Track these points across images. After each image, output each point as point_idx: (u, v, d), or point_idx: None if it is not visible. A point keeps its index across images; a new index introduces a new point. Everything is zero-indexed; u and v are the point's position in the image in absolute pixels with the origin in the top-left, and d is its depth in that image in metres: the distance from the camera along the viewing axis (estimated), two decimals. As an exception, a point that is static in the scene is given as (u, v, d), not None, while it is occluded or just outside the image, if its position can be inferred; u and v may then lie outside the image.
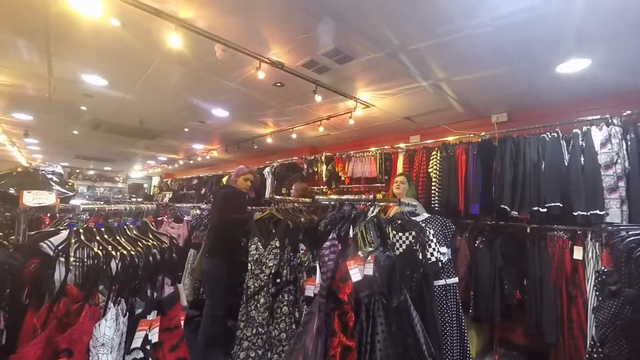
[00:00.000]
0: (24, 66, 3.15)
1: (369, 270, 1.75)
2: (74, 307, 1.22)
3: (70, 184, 2.94)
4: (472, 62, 2.68)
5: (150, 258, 1.40)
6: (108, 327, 1.21)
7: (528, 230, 3.31)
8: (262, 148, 6.38)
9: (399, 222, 2.26)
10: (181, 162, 9.56)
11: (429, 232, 2.30)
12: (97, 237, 1.38)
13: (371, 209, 1.98)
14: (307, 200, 2.64)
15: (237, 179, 2.98)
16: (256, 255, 2.49)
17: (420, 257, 2.16)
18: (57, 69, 3.21)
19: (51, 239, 1.42)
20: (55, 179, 1.82)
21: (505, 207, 3.25)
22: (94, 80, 3.43)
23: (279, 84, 3.31)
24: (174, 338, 1.41)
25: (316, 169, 5.84)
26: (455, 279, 2.41)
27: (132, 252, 1.35)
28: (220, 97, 3.82)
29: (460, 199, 3.67)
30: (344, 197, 2.16)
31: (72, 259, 1.34)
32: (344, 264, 1.80)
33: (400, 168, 4.39)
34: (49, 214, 1.76)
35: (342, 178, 5.47)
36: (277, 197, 2.73)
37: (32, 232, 1.55)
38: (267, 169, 6.65)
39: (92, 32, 2.43)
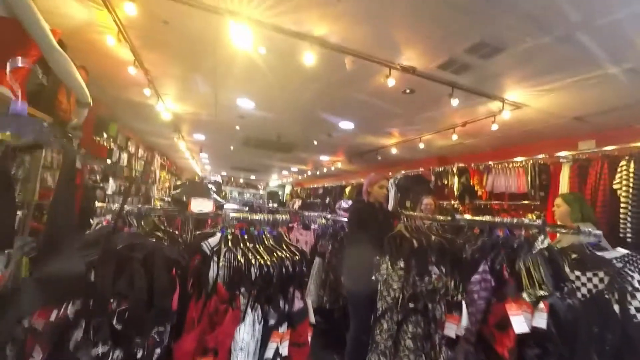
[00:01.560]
0: (200, 97, 3.99)
1: (541, 321, 1.31)
2: (222, 307, 1.34)
3: (223, 193, 3.51)
4: None
5: (283, 269, 1.43)
6: (246, 333, 1.27)
7: None
8: (386, 159, 6.21)
9: (576, 257, 1.68)
10: (309, 173, 10.38)
11: (632, 277, 1.63)
12: (241, 244, 1.50)
13: (540, 237, 1.52)
14: (443, 218, 2.31)
15: (372, 188, 2.69)
16: (385, 275, 2.32)
17: (618, 311, 1.53)
18: (220, 97, 3.92)
19: (209, 240, 1.63)
20: (213, 188, 2.20)
21: None
22: (245, 103, 4.04)
23: (408, 91, 3.09)
24: (302, 355, 1.37)
25: (446, 182, 5.25)
26: None
27: (268, 262, 1.40)
28: (348, 110, 3.88)
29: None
30: (496, 219, 1.74)
31: (221, 261, 1.50)
32: (501, 306, 1.42)
33: (565, 183, 3.43)
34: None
35: (479, 193, 4.73)
36: (407, 212, 2.48)
37: (198, 232, 1.84)
38: (390, 181, 6.42)
39: (245, 61, 2.83)
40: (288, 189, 16.27)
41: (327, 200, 9.44)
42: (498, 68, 2.50)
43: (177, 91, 3.89)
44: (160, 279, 1.26)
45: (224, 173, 15.68)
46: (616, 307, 1.52)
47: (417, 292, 2.09)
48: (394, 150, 5.32)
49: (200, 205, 1.57)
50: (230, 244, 1.48)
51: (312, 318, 1.47)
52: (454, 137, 3.97)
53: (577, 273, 1.61)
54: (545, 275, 1.46)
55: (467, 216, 2.06)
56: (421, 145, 4.66)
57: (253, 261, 1.40)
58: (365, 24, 2.15)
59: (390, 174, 6.39)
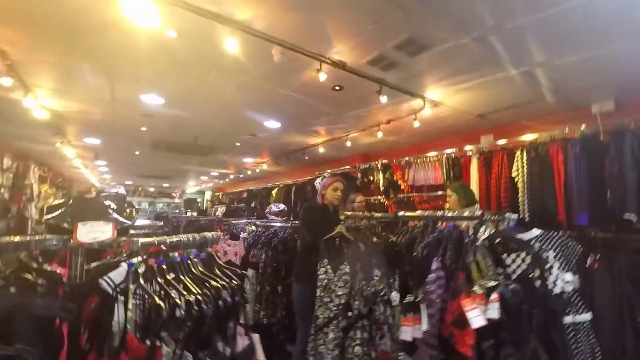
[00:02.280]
0: (89, 91, 3.23)
1: (494, 311, 1.31)
2: (135, 367, 0.98)
3: (128, 211, 2.89)
4: (586, 37, 2.13)
5: (221, 302, 1.12)
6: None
7: (662, 245, 2.58)
8: (313, 158, 6.15)
9: (501, 241, 1.79)
10: (232, 177, 9.74)
11: (547, 255, 1.79)
12: (159, 278, 1.13)
13: (482, 228, 1.54)
14: (385, 215, 2.27)
15: (325, 190, 2.58)
16: (325, 281, 2.16)
17: (539, 287, 1.67)
18: (119, 91, 3.24)
19: (111, 275, 1.20)
20: (113, 205, 1.70)
21: (630, 216, 2.57)
22: (152, 99, 3.43)
23: (337, 88, 3.01)
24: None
25: (372, 178, 5.43)
26: (588, 315, 1.84)
27: (199, 297, 1.08)
28: (274, 107, 3.63)
29: (560, 208, 3.04)
30: (438, 213, 1.75)
31: (131, 302, 1.11)
32: (456, 302, 1.39)
33: (474, 173, 3.82)
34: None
35: (402, 187, 5.01)
36: (348, 212, 2.37)
37: (93, 264, 1.37)
38: (318, 180, 6.36)
39: (150, 47, 2.34)
40: (208, 195, 15.07)
41: (253, 204, 8.97)
42: (422, 66, 2.58)
43: (54, 83, 3.07)
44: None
45: (129, 182, 13.65)
46: (537, 283, 1.64)
47: (364, 296, 1.99)
48: (321, 149, 5.27)
49: (93, 232, 1.15)
50: (142, 279, 1.11)
51: (260, 355, 1.20)
52: (379, 134, 4.07)
53: (505, 256, 1.70)
54: (489, 265, 1.48)
55: (408, 213, 2.06)
56: (348, 144, 4.69)
57: (178, 299, 1.06)
58: (295, 11, 1.94)
59: (317, 173, 6.36)
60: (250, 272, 3.73)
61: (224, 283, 1.22)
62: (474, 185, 3.82)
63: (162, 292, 1.10)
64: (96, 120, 4.19)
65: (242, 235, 4.07)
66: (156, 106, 3.63)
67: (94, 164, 8.17)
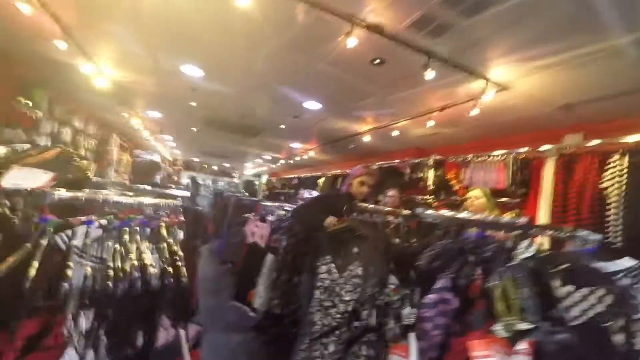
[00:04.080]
0: (135, 59, 3.34)
1: (518, 368, 0.87)
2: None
3: (166, 175, 2.94)
4: None
5: (139, 283, 0.90)
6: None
7: None
8: (361, 149, 5.74)
9: (567, 266, 1.26)
10: (283, 162, 9.81)
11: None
12: (76, 241, 0.95)
13: (524, 243, 1.06)
14: (404, 212, 1.85)
15: (353, 181, 2.32)
16: (327, 282, 1.83)
17: (620, 344, 1.12)
18: (161, 61, 3.29)
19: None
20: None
21: None
22: (192, 70, 3.43)
23: (377, 61, 2.59)
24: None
25: (422, 175, 4.84)
26: None
27: (111, 272, 0.87)
28: (310, 84, 3.34)
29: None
30: (465, 215, 1.30)
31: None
32: (463, 342, 0.97)
33: (549, 179, 3.05)
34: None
35: (455, 188, 4.34)
36: (363, 204, 2.00)
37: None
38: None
39: (176, 10, 2.23)
40: (264, 179, 15.61)
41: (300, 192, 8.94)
42: (484, 31, 2.03)
43: (107, 50, 3.23)
44: None
45: (195, 159, 14.82)
46: (619, 338, 1.10)
47: (375, 306, 1.63)
48: (367, 138, 4.84)
49: (22, 179, 1.02)
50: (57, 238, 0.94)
51: (186, 356, 0.96)
52: (430, 123, 3.51)
53: (569, 288, 1.17)
54: (528, 297, 1.01)
55: (431, 211, 1.61)
56: (395, 133, 4.20)
57: (88, 269, 0.87)
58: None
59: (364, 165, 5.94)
60: (269, 257, 3.58)
61: (161, 263, 1.00)
62: (547, 194, 3.06)
63: (74, 258, 0.92)
64: (149, 92, 4.41)
65: (269, 217, 3.94)
66: (198, 79, 3.64)
67: (162, 137, 8.93)
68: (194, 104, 4.75)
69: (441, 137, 4.67)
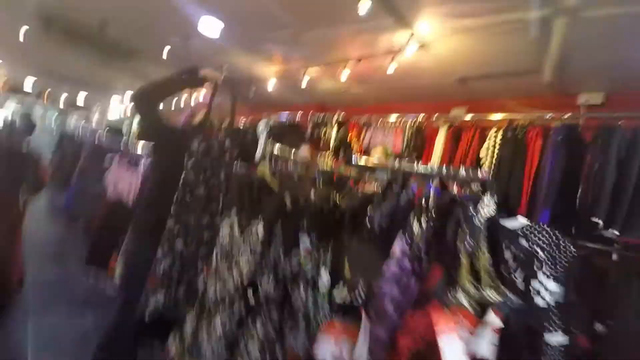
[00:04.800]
0: None
1: (488, 346, 0.71)
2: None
3: None
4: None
5: None
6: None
7: (614, 257, 2.35)
8: (261, 98, 5.15)
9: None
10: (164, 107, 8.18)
11: (539, 253, 1.29)
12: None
13: (485, 198, 0.91)
14: (338, 167, 1.58)
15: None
16: (227, 240, 1.43)
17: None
18: None
19: None
20: None
21: (598, 220, 2.28)
22: None
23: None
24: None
25: (323, 133, 4.71)
26: (564, 339, 1.42)
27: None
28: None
29: (524, 200, 2.68)
30: (421, 166, 1.10)
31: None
32: (421, 317, 0.76)
33: (439, 146, 3.32)
34: None
35: (354, 148, 4.40)
36: (304, 152, 1.61)
37: None
38: (262, 123, 5.48)
39: None
40: (136, 125, 12.87)
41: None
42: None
43: None
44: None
45: (31, 78, 10.86)
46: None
47: (277, 273, 1.32)
48: (271, 85, 4.31)
49: None
50: None
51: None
52: (345, 73, 3.27)
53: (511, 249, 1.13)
54: (490, 261, 0.88)
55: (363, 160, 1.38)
56: (304, 82, 3.82)
57: None
58: None
59: (264, 116, 5.42)
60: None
61: None
62: (436, 160, 3.34)
63: None
64: None
65: (142, 161, 3.09)
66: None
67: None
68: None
69: (346, 97, 4.57)
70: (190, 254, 1.57)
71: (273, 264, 1.28)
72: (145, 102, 1.53)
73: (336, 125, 4.51)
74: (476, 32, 2.41)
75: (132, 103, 1.55)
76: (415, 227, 0.85)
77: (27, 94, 11.34)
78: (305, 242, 1.39)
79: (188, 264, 1.57)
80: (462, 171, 0.94)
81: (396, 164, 1.12)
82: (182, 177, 1.59)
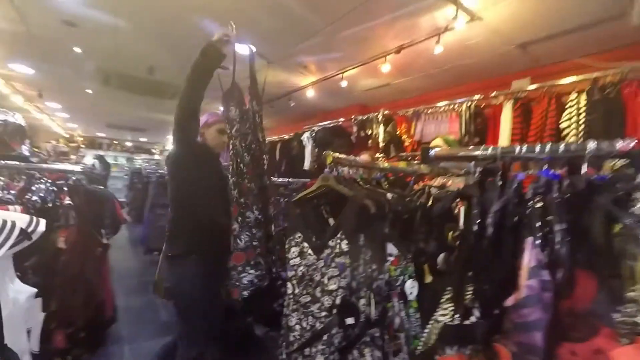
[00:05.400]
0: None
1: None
2: None
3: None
4: None
5: None
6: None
7: None
8: (301, 107, 5.15)
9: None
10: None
11: None
12: None
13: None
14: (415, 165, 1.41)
15: (206, 130, 1.74)
16: (301, 269, 1.31)
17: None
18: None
19: None
20: None
21: None
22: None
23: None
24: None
25: (370, 132, 4.52)
26: None
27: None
28: (241, 16, 2.57)
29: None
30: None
31: None
32: (595, 355, 0.56)
33: (507, 126, 2.93)
34: None
35: (406, 143, 4.14)
36: (340, 155, 1.48)
37: None
38: (307, 134, 5.45)
39: None
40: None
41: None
42: None
43: None
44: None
45: (101, 134, 12.41)
46: None
47: (374, 289, 1.18)
48: (310, 93, 4.26)
49: None
50: None
51: None
52: (386, 66, 3.07)
53: None
54: None
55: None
56: (344, 84, 3.69)
57: None
58: None
59: (306, 127, 5.39)
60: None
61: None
62: (505, 142, 2.95)
63: None
64: (6, 31, 3.08)
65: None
66: (73, 5, 2.54)
67: (46, 106, 6.98)
68: (78, 49, 3.51)
69: (386, 92, 4.34)
70: (264, 218, 1.61)
71: (368, 281, 1.14)
72: (186, 115, 1.51)
73: (382, 122, 4.31)
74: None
75: (176, 126, 1.54)
76: (547, 225, 0.65)
77: (100, 145, 12.98)
78: (392, 250, 1.25)
79: (265, 229, 1.62)
80: (592, 145, 0.71)
81: (490, 149, 0.91)
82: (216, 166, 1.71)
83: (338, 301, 1.14)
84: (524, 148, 0.83)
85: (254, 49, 1.81)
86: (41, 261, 1.77)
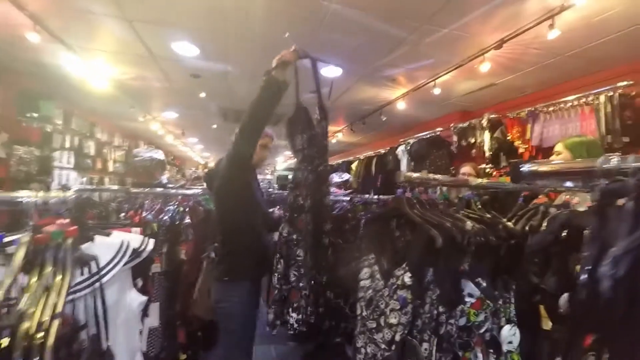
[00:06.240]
0: (123, 45, 2.92)
1: None
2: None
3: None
4: None
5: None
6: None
7: None
8: (394, 121, 4.99)
9: None
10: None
11: None
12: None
13: None
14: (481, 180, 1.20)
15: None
16: (370, 292, 1.22)
17: None
18: (149, 41, 2.83)
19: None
20: None
21: None
22: (185, 49, 2.95)
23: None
24: None
25: (473, 141, 4.01)
26: None
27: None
28: (324, 38, 2.68)
29: None
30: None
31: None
32: None
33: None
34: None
35: (520, 150, 3.50)
36: (417, 174, 1.32)
37: None
38: (401, 148, 5.22)
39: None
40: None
41: (334, 180, 8.39)
42: None
43: (85, 35, 2.80)
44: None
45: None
46: None
47: (441, 335, 1.01)
48: (401, 105, 4.09)
49: None
50: None
51: None
52: (485, 66, 2.69)
53: None
54: None
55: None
56: (437, 91, 3.41)
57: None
58: None
59: (402, 140, 5.18)
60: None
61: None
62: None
63: None
64: (154, 87, 4.05)
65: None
66: (195, 60, 3.15)
67: (187, 140, 8.79)
68: (203, 94, 4.32)
69: (491, 93, 3.79)
70: (314, 258, 1.51)
71: (433, 324, 0.98)
72: (250, 145, 1.47)
73: (488, 128, 3.76)
74: None
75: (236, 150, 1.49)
76: None
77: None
78: (472, 289, 1.05)
79: (316, 268, 1.52)
80: None
81: (616, 160, 0.67)
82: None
83: (397, 338, 1.00)
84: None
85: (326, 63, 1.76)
86: (169, 269, 2.16)
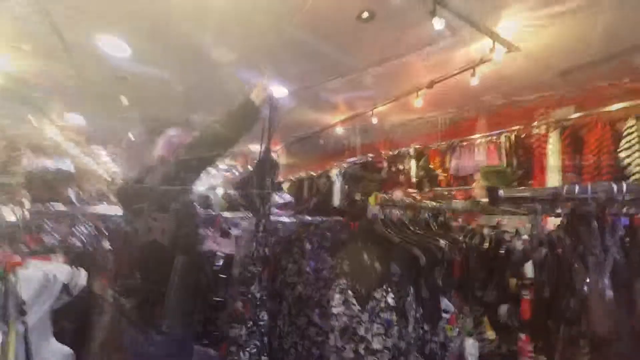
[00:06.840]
0: (28, 32, 2.41)
1: None
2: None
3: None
4: None
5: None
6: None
7: None
8: (330, 144, 5.19)
9: None
10: (241, 170, 8.92)
11: None
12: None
13: None
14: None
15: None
16: (344, 319, 1.17)
17: None
18: (68, 32, 2.40)
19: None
20: None
21: None
22: (115, 48, 2.58)
23: (366, 15, 2.01)
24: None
25: (401, 168, 4.41)
26: None
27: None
28: (277, 59, 2.68)
29: None
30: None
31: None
32: None
33: (555, 156, 2.72)
34: None
35: (440, 178, 3.98)
36: (399, 194, 1.35)
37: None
38: (335, 171, 5.42)
39: None
40: (220, 192, 14.36)
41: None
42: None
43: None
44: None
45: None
46: None
47: (426, 355, 1.01)
48: (339, 131, 4.28)
49: None
50: None
51: None
52: (418, 102, 3.03)
53: None
54: None
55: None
56: (374, 120, 3.68)
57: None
58: None
59: (335, 164, 5.38)
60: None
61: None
62: (554, 174, 2.72)
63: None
64: (63, 85, 3.42)
65: (234, 232, 3.16)
66: (124, 61, 2.78)
67: (92, 150, 7.55)
68: (124, 100, 3.81)
69: (418, 126, 4.28)
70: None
71: (419, 344, 0.98)
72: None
73: (414, 157, 4.20)
74: (574, 15, 2.00)
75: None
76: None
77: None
78: (448, 306, 1.09)
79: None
80: None
81: (577, 188, 0.78)
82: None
83: (383, 361, 0.98)
84: (624, 186, 0.70)
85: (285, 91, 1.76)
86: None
